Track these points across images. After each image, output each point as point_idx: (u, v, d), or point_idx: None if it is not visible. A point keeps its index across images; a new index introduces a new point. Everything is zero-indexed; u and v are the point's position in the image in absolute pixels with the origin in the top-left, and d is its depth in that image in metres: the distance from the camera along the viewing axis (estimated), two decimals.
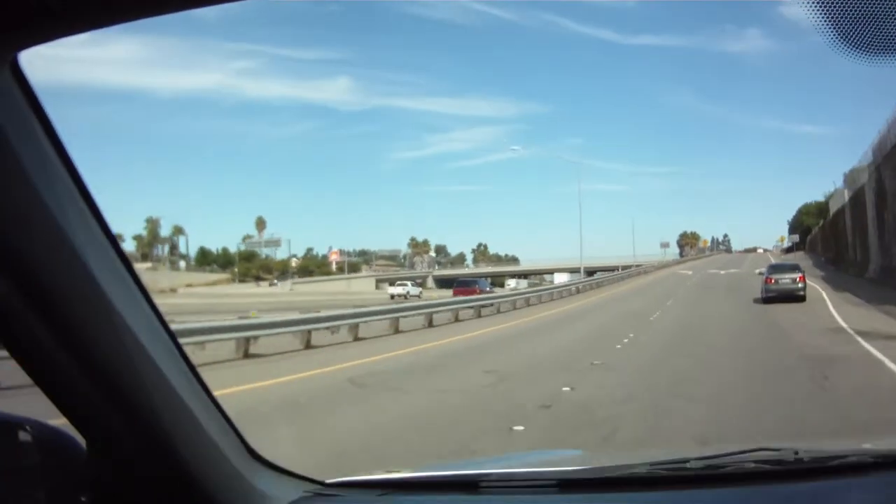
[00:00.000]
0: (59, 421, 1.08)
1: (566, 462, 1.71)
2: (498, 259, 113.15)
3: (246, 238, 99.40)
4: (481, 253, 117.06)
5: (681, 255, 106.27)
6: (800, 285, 23.09)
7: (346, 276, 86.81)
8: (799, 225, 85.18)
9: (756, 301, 22.47)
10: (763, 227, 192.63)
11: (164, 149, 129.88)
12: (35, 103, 0.85)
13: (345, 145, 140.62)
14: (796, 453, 1.29)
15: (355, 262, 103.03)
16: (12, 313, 0.89)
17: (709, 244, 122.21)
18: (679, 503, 1.23)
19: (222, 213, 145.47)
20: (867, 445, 1.55)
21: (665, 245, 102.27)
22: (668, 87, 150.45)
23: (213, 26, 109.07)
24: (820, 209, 70.25)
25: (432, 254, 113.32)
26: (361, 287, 71.61)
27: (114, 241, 0.98)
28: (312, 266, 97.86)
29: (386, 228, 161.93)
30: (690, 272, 48.78)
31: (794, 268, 24.86)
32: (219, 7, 0.93)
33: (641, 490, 1.28)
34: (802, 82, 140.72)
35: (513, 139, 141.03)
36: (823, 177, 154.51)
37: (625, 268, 58.20)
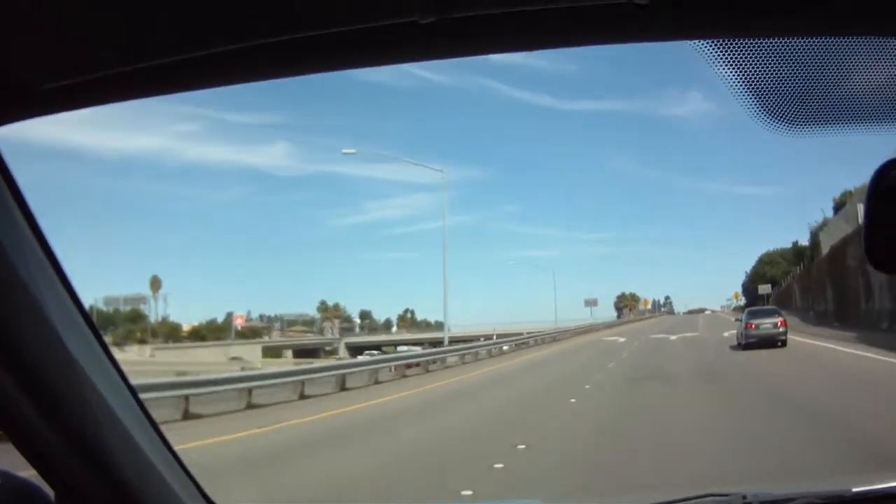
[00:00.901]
0: (29, 472, 1.10)
1: None
2: (427, 325, 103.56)
3: (108, 297, 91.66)
4: (404, 319, 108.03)
5: (618, 317, 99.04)
6: (781, 329, 22.49)
7: (228, 342, 78.64)
8: (759, 278, 75.32)
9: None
10: (708, 288, 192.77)
11: (95, 206, 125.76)
12: (7, 174, 0.92)
13: (282, 210, 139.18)
14: (744, 497, 1.34)
15: (260, 328, 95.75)
16: None
17: (650, 304, 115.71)
18: None
19: (124, 273, 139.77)
20: (814, 488, 1.57)
21: (592, 303, 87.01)
22: (608, 152, 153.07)
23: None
24: (796, 252, 60.75)
25: (355, 318, 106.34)
26: (250, 355, 61.94)
27: (77, 301, 1.03)
28: (207, 331, 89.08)
29: (317, 295, 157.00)
30: (623, 339, 36.50)
31: (774, 312, 24.14)
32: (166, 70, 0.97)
33: None
34: (747, 144, 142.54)
35: (453, 206, 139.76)
36: (771, 237, 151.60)
37: (530, 334, 42.12)
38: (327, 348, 66.80)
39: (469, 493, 5.61)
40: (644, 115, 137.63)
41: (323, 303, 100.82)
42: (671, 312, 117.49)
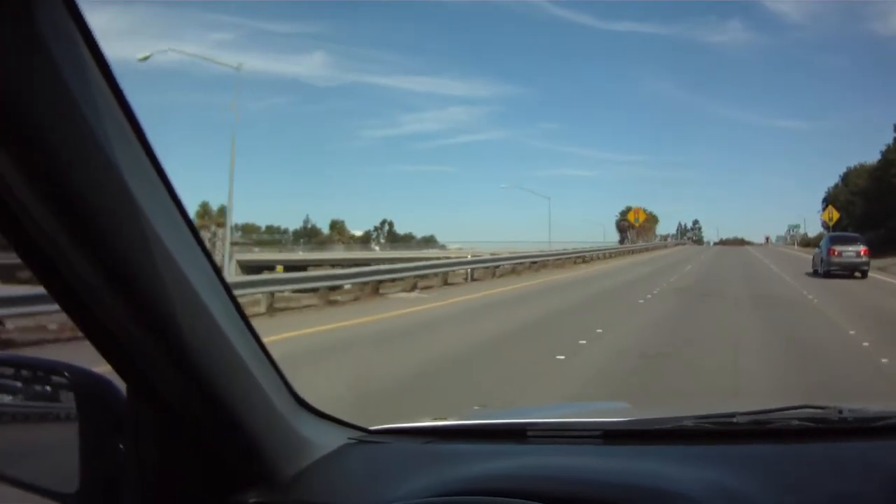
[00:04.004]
0: (102, 368, 1.05)
1: (612, 413, 1.70)
2: (410, 239, 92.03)
3: None
4: (377, 231, 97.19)
5: (621, 241, 77.20)
6: (864, 259, 23.12)
7: None
8: (837, 200, 60.01)
9: None
10: (750, 219, 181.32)
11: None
12: (89, 37, 0.81)
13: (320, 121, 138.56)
14: (840, 412, 1.30)
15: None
16: (57, 250, 0.86)
17: (662, 234, 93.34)
18: (725, 457, 1.21)
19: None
20: None
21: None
22: (647, 75, 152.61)
23: None
24: None
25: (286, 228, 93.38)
26: None
27: (168, 184, 0.94)
28: None
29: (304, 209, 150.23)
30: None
31: (856, 240, 24.53)
32: None
33: (686, 443, 1.29)
34: (784, 76, 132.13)
35: (488, 120, 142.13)
36: (811, 175, 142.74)
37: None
38: None
39: None
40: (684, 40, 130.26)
41: (203, 205, 75.77)
42: (698, 241, 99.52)
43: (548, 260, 30.34)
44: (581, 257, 35.33)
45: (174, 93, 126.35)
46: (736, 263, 32.88)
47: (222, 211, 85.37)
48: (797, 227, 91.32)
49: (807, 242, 64.41)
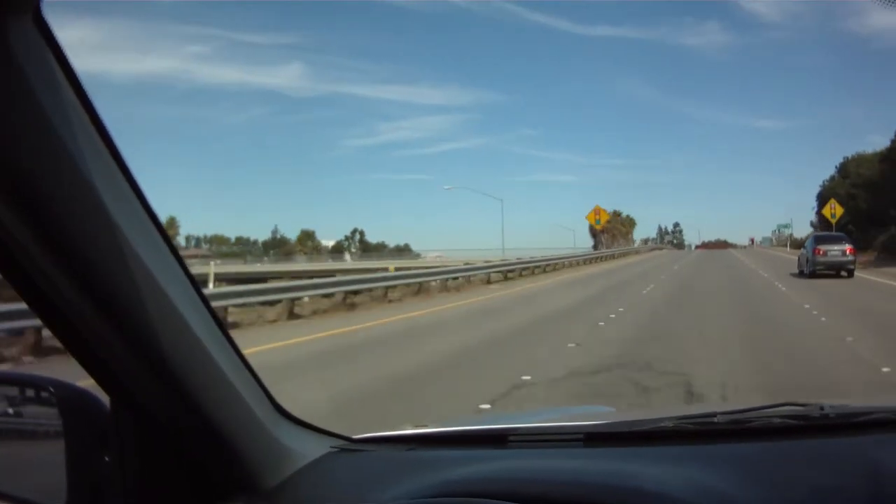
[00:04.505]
0: (85, 382, 1.07)
1: (594, 417, 1.69)
2: (382, 248, 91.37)
3: None
4: (348, 240, 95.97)
5: (595, 246, 72.37)
6: (849, 258, 22.81)
7: None
8: (822, 204, 51.79)
9: None
10: (733, 221, 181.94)
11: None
12: (60, 56, 0.82)
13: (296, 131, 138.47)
14: (822, 409, 1.30)
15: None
16: (36, 265, 0.87)
17: (643, 238, 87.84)
18: (705, 456, 1.22)
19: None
20: (892, 402, 1.57)
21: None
22: (626, 79, 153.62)
23: (169, 9, 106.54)
24: None
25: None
26: None
27: (141, 196, 0.95)
28: None
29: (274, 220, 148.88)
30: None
31: (842, 239, 24.30)
32: None
33: (668, 444, 1.29)
34: (762, 76, 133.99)
35: (466, 128, 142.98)
36: (795, 174, 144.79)
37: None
38: None
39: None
40: (662, 43, 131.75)
41: (170, 219, 77.46)
42: (679, 245, 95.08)
43: (471, 275, 24.90)
44: (508, 271, 28.00)
45: (148, 106, 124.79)
46: (717, 278, 24.46)
47: (172, 222, 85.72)
48: (786, 226, 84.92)
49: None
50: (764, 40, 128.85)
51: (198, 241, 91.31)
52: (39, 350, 9.46)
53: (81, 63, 0.83)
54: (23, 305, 0.98)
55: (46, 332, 9.68)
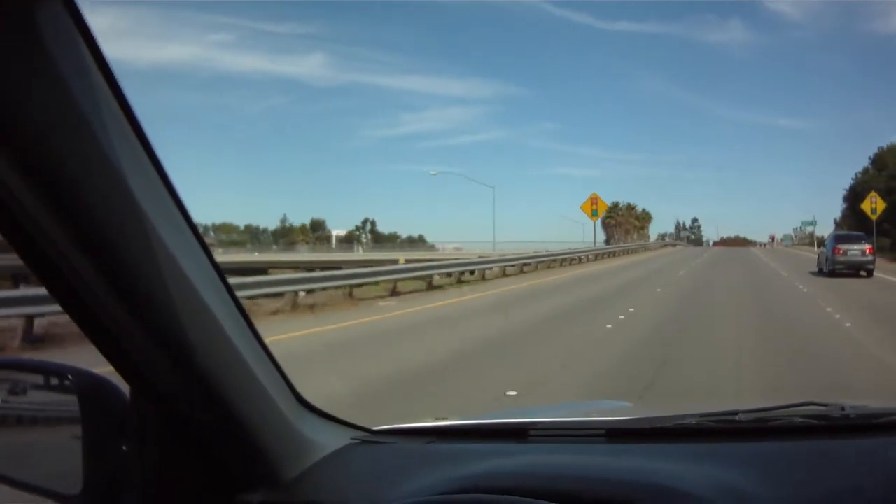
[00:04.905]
0: (105, 370, 1.06)
1: (615, 412, 1.68)
2: (395, 239, 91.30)
3: None
4: (359, 230, 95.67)
5: (607, 241, 66.87)
6: (869, 257, 22.59)
7: None
8: (855, 199, 48.03)
9: None
10: (753, 218, 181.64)
11: None
12: (90, 41, 0.81)
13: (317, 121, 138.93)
14: (843, 409, 1.30)
15: None
16: (60, 252, 0.86)
17: (660, 233, 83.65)
18: (728, 454, 1.21)
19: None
20: None
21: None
22: (647, 75, 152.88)
23: None
24: None
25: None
26: None
27: (169, 184, 0.94)
28: None
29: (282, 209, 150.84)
30: None
31: (861, 238, 23.97)
32: None
33: (690, 441, 1.29)
34: (785, 75, 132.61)
35: (488, 120, 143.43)
36: (818, 172, 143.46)
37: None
38: None
39: None
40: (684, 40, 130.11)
41: None
42: (696, 242, 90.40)
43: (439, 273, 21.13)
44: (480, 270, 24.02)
45: (169, 92, 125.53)
46: (738, 296, 16.66)
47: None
48: (811, 223, 78.84)
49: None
50: (786, 39, 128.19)
51: (205, 228, 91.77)
52: (31, 339, 9.29)
53: (106, 49, 0.82)
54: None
55: (37, 322, 9.69)
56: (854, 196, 52.65)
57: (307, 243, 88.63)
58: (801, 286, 18.82)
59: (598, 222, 77.27)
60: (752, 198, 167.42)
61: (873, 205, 39.80)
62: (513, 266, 26.33)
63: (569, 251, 36.10)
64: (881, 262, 26.09)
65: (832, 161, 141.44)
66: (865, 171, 56.45)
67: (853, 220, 48.85)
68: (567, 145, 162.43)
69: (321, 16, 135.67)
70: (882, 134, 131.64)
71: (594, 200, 46.62)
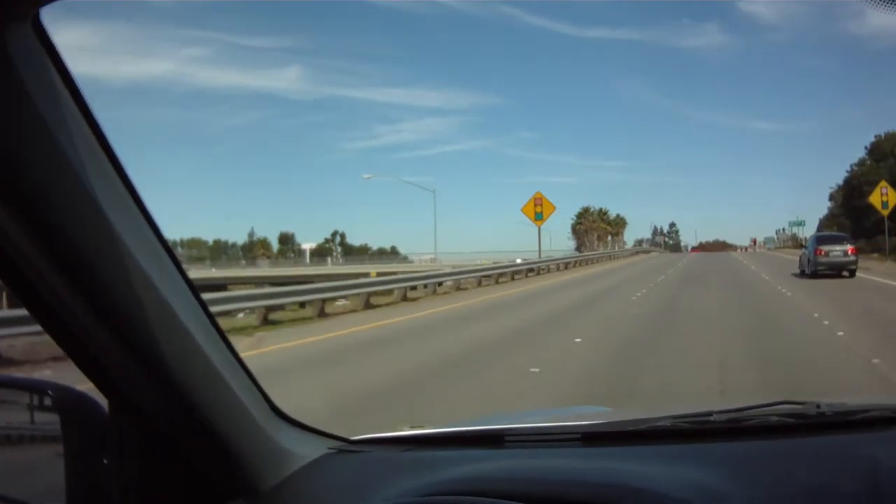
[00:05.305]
0: (85, 385, 1.08)
1: (591, 417, 1.70)
2: (365, 251, 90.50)
3: None
4: (328, 243, 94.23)
5: (578, 248, 65.42)
6: (851, 258, 22.33)
7: None
8: (851, 193, 45.42)
9: None
10: (732, 223, 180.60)
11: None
12: (59, 62, 0.83)
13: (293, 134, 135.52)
14: (818, 407, 1.32)
15: None
16: (36, 271, 0.88)
17: (637, 239, 79.12)
18: (702, 455, 1.22)
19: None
20: (889, 401, 1.58)
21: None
22: (624, 81, 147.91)
23: (167, 12, 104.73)
24: None
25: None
26: None
27: (139, 201, 0.96)
28: None
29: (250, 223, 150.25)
30: None
31: (843, 239, 23.75)
32: None
33: (665, 442, 1.30)
34: (762, 78, 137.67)
35: (466, 130, 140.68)
36: (798, 175, 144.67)
37: None
38: None
39: None
40: (660, 45, 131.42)
41: None
42: (674, 248, 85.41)
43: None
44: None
45: (145, 109, 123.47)
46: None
47: None
48: (800, 224, 71.87)
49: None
50: (762, 42, 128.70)
51: (174, 243, 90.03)
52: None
53: (81, 66, 0.85)
54: (24, 312, 0.98)
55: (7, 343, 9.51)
56: (850, 191, 47.73)
57: (268, 258, 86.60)
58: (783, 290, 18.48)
59: (569, 228, 73.85)
60: (733, 201, 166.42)
61: (884, 197, 33.21)
62: (489, 277, 25.64)
63: (493, 267, 28.08)
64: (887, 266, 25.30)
65: (815, 160, 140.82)
66: (862, 162, 51.53)
67: (846, 219, 45.69)
68: (545, 154, 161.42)
69: (297, 29, 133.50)
70: (863, 132, 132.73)
71: (538, 201, 37.18)
